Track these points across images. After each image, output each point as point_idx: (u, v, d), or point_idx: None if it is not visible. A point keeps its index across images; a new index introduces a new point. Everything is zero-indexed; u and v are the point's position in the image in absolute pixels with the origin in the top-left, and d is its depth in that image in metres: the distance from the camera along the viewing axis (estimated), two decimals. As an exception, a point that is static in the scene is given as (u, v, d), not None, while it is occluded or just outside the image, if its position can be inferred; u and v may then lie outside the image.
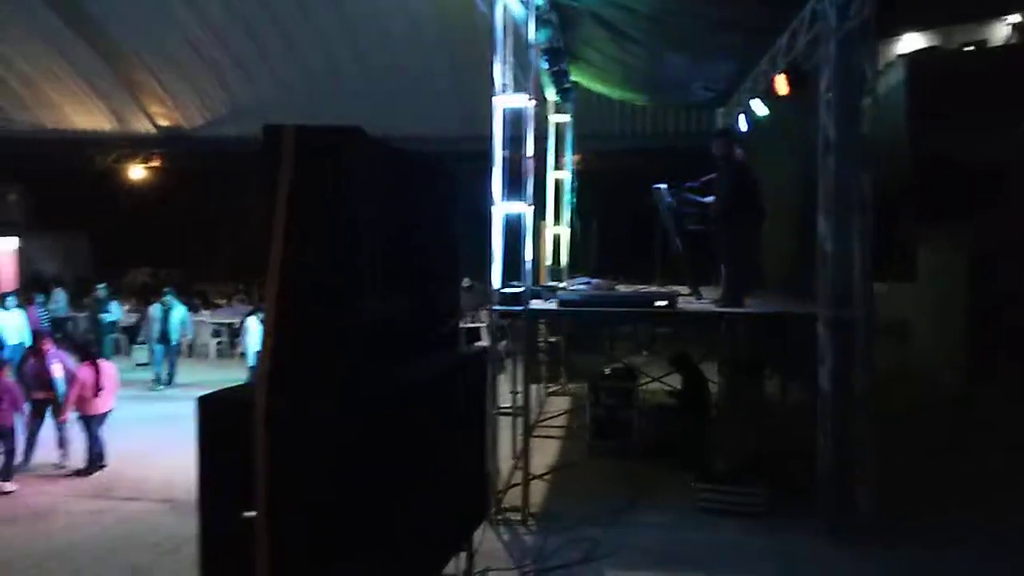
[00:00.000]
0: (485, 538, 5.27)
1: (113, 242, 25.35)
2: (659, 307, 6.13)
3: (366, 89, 12.96)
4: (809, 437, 5.84)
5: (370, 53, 12.85)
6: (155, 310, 12.33)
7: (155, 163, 16.49)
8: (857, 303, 5.49)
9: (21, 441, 7.20)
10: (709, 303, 6.70)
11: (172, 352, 12.25)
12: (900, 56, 11.29)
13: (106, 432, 7.54)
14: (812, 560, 5.33)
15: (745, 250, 6.63)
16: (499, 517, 5.89)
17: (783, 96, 7.18)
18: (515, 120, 6.17)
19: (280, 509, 2.87)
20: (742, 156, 6.68)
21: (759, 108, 8.49)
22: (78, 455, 7.46)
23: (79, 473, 7.29)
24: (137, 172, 17.37)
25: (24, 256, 23.43)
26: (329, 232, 3.00)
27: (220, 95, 14.32)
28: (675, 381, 8.55)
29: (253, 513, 2.86)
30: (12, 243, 23.43)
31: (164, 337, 12.06)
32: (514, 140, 6.18)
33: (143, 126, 15.30)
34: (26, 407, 7.20)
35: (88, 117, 15.32)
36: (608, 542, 5.52)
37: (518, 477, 6.29)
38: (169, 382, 12.08)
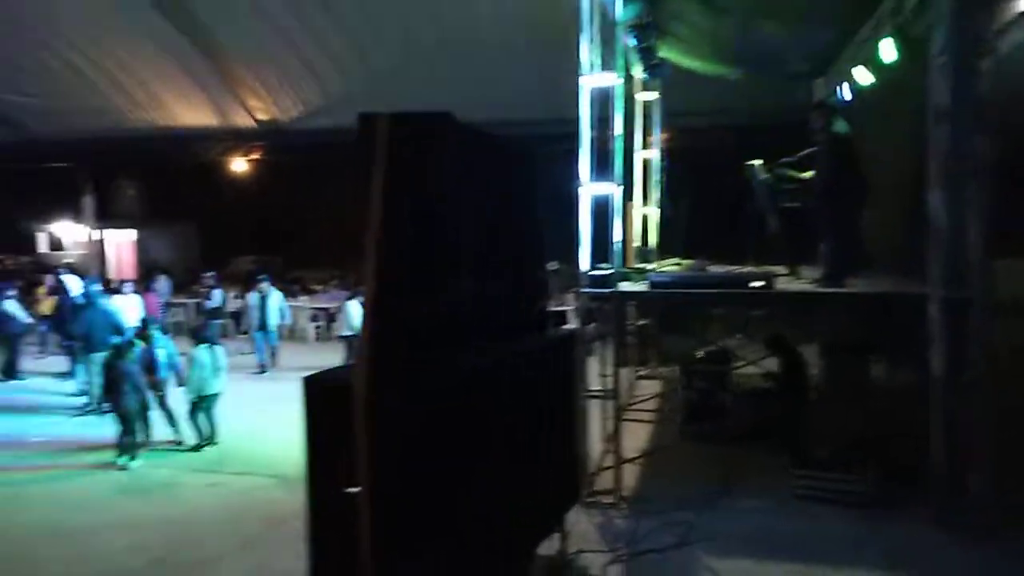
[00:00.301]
0: (577, 520, 5.30)
1: (218, 232, 26.89)
2: (755, 288, 5.93)
3: (451, 75, 13.08)
4: (916, 421, 5.53)
5: (455, 39, 12.95)
6: (253, 298, 12.50)
7: (255, 155, 17.28)
8: (972, 281, 5.13)
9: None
10: (808, 283, 6.43)
11: (271, 338, 12.46)
12: None
13: (217, 411, 8.02)
14: (919, 549, 5.06)
15: (848, 227, 6.31)
16: (591, 500, 5.90)
17: (890, 63, 6.75)
18: (602, 100, 6.08)
19: (380, 486, 2.97)
20: (844, 128, 6.34)
21: (863, 77, 8.02)
22: (190, 433, 7.98)
23: (193, 450, 7.80)
24: (239, 165, 18.27)
25: (141, 246, 25.23)
26: (422, 216, 3.07)
27: (313, 88, 14.79)
28: (771, 364, 8.27)
29: (356, 489, 2.98)
30: (131, 234, 25.28)
31: (263, 324, 12.29)
32: (601, 120, 6.09)
33: (244, 121, 16.01)
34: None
35: (194, 114, 16.17)
36: (702, 527, 5.43)
37: (609, 460, 6.27)
38: (262, 371, 12.23)
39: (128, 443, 7.21)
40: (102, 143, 17.01)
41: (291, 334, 16.10)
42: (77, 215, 20.77)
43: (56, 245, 25.26)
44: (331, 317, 15.95)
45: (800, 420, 7.12)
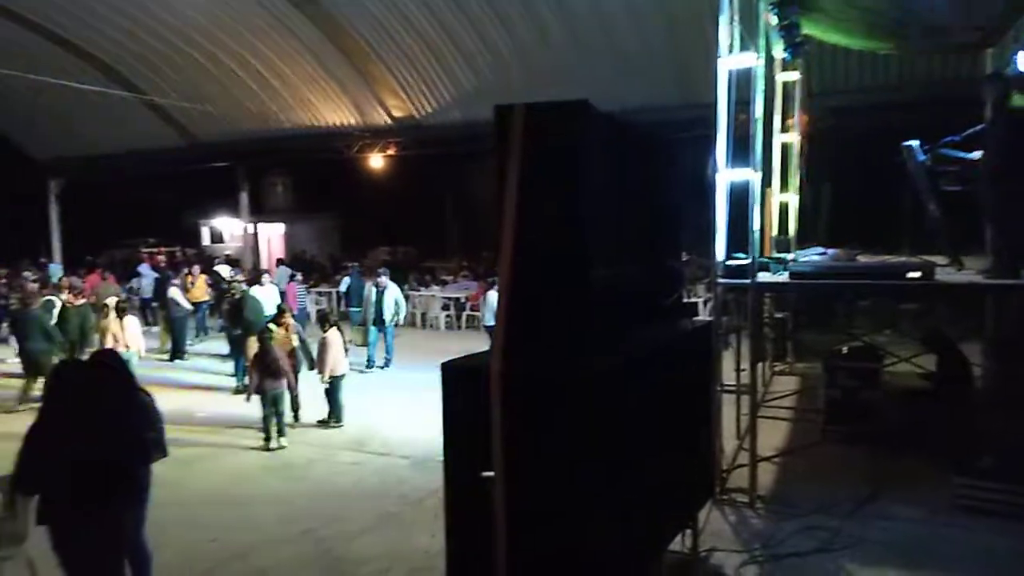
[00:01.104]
0: (710, 518, 5.15)
1: (357, 224, 28.40)
2: (913, 279, 5.47)
3: (582, 65, 13.00)
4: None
5: (585, 28, 12.86)
6: (370, 292, 11.95)
7: (391, 151, 18.03)
8: None
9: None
10: (974, 274, 5.85)
11: (388, 334, 11.81)
12: None
13: (344, 393, 8.42)
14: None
15: (1021, 212, 5.67)
16: (724, 497, 5.70)
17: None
18: (741, 82, 5.82)
19: (515, 471, 3.02)
20: (1022, 102, 5.69)
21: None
22: (312, 413, 8.47)
23: (322, 425, 8.30)
24: (376, 160, 19.12)
25: (289, 238, 27.12)
26: (558, 205, 3.07)
27: (446, 84, 15.23)
28: (928, 362, 7.62)
29: (491, 474, 3.05)
30: (280, 228, 27.23)
31: (378, 319, 11.60)
32: (740, 103, 5.84)
33: (380, 118, 16.76)
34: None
35: (336, 113, 17.14)
36: (847, 534, 5.11)
37: (743, 458, 6.04)
38: (385, 365, 11.78)
39: (277, 423, 7.73)
40: (256, 143, 18.40)
41: (423, 321, 16.76)
42: (235, 210, 22.60)
43: (217, 238, 27.67)
44: (461, 306, 16.44)
45: (962, 424, 6.51)
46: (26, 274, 16.07)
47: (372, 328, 11.64)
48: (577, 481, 3.04)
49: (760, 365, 7.11)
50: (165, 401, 8.66)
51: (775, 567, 4.73)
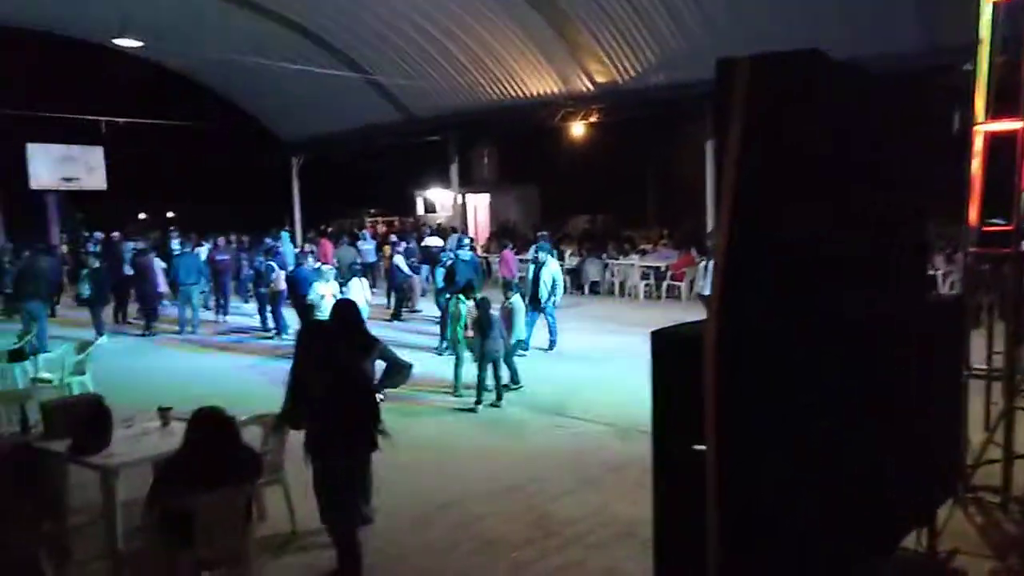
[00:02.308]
0: (951, 517, 4.57)
1: (557, 193, 28.80)
2: None
3: (804, 13, 11.91)
4: None
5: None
6: (527, 270, 11.06)
7: (592, 118, 17.94)
8: None
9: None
10: None
11: (548, 315, 10.61)
12: None
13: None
14: None
15: None
16: (969, 496, 5.04)
17: None
18: (1009, 18, 4.95)
19: (728, 445, 2.88)
20: None
21: None
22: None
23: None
24: (577, 128, 19.17)
25: (493, 208, 28.23)
26: (785, 165, 2.82)
27: (651, 45, 14.79)
28: None
29: (702, 447, 2.93)
30: (485, 198, 28.42)
31: (534, 297, 10.37)
32: (1006, 43, 4.98)
33: (583, 85, 16.73)
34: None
35: (540, 83, 17.40)
36: None
37: (994, 453, 5.27)
38: (550, 347, 10.65)
39: (495, 385, 8.03)
40: (465, 116, 19.28)
41: (622, 289, 16.66)
42: (446, 181, 23.95)
43: (430, 208, 29.54)
44: (661, 276, 16.10)
45: None
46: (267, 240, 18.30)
47: (529, 311, 10.24)
48: (795, 460, 2.83)
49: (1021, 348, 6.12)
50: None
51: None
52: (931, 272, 10.46)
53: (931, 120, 4.79)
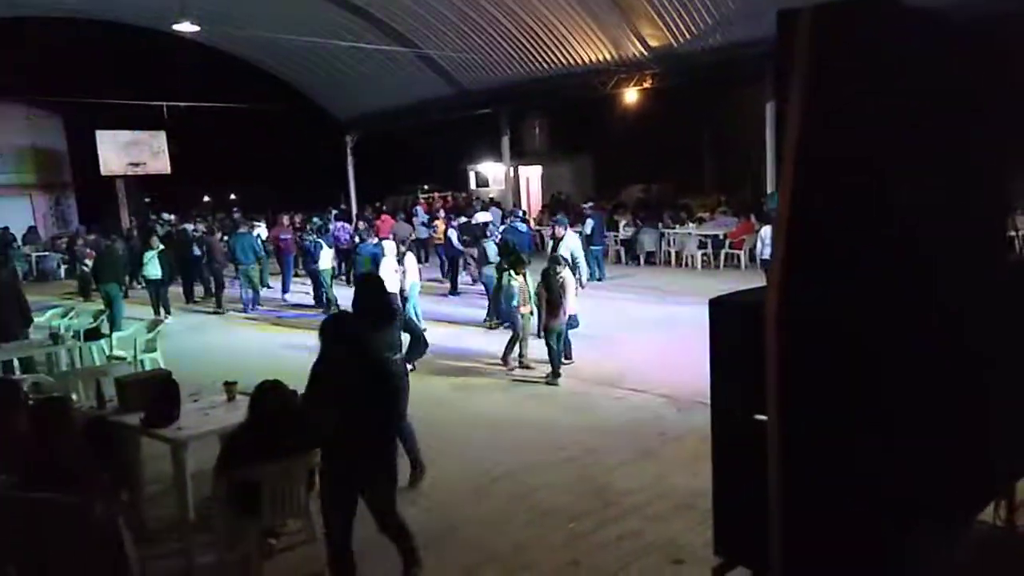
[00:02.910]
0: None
1: (611, 162, 28.37)
2: None
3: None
4: None
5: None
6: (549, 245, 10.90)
7: (646, 84, 17.50)
8: None
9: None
10: None
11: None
12: None
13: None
14: None
15: None
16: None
17: None
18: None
19: (791, 416, 2.78)
20: None
21: None
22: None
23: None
24: (631, 95, 18.76)
25: (546, 179, 28.03)
26: (852, 121, 2.66)
27: (706, 4, 14.28)
28: None
29: (764, 417, 2.84)
30: (537, 170, 28.23)
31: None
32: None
33: (636, 50, 16.31)
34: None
35: (591, 50, 17.05)
36: None
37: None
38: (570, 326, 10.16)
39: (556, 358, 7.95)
40: (516, 87, 19.09)
41: (678, 259, 16.36)
42: (497, 154, 23.85)
43: (482, 182, 29.53)
44: (719, 244, 15.73)
45: None
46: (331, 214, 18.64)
47: None
48: (861, 432, 2.72)
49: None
50: (439, 333, 9.58)
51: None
52: (1011, 233, 9.87)
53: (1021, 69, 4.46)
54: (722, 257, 15.57)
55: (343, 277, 15.07)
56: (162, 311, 12.59)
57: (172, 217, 22.01)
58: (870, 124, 2.68)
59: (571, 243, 10.45)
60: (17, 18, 19.88)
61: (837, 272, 2.76)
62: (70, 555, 3.26)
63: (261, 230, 17.30)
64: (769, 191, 14.79)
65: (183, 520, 4.47)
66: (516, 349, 8.45)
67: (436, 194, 31.14)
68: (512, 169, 23.27)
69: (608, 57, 16.91)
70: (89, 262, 16.03)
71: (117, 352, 8.49)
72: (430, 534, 4.61)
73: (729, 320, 2.99)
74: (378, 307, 5.08)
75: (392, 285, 9.38)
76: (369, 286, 5.31)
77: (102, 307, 10.81)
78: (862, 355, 2.66)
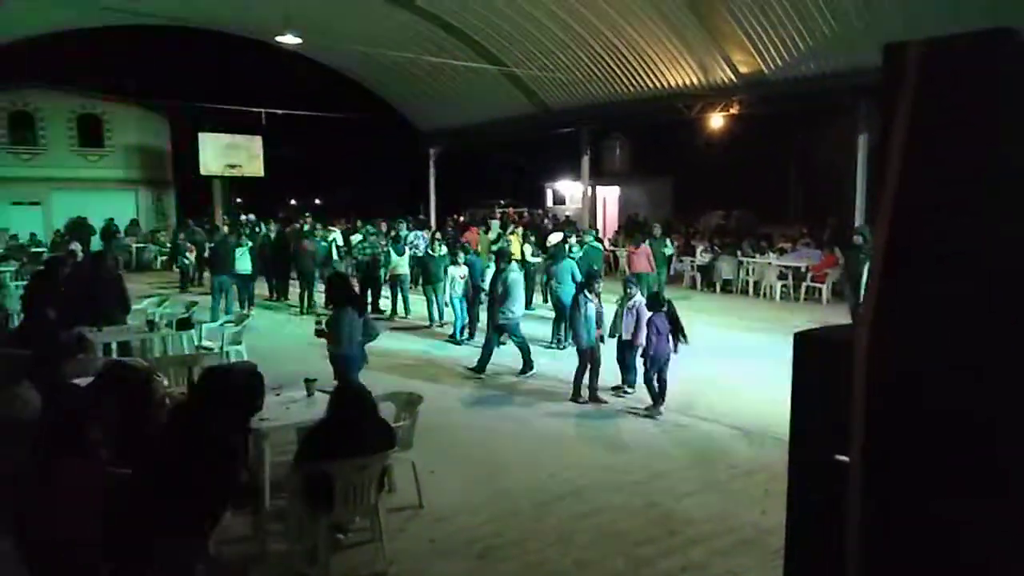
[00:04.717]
0: None
1: (691, 186, 28.02)
2: None
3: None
4: None
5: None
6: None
7: (733, 110, 17.23)
8: None
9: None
10: None
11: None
12: None
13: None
14: None
15: None
16: None
17: None
18: None
19: (875, 461, 2.69)
20: None
21: None
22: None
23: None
24: (716, 121, 18.50)
25: (624, 200, 27.91)
26: (961, 160, 2.58)
27: (801, 32, 13.96)
28: None
29: (845, 458, 2.76)
30: (615, 191, 28.16)
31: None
32: None
33: (724, 75, 16.10)
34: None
35: (678, 74, 16.92)
36: None
37: None
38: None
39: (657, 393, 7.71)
40: (599, 108, 19.12)
41: (755, 291, 15.97)
42: (576, 173, 23.93)
43: (559, 200, 29.67)
44: (800, 276, 15.26)
45: None
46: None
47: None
48: (951, 491, 2.60)
49: None
50: (510, 350, 9.58)
51: None
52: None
53: None
54: (803, 290, 15.10)
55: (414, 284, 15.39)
56: (247, 305, 13.21)
57: (251, 217, 22.95)
58: (977, 167, 2.59)
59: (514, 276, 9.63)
60: (134, 27, 21.34)
61: (935, 320, 2.67)
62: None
63: (336, 235, 17.84)
64: (857, 223, 14.28)
65: (258, 508, 4.66)
66: (586, 379, 7.89)
67: (511, 209, 31.45)
68: (590, 188, 23.27)
69: (695, 82, 16.74)
70: (191, 255, 16.98)
71: (205, 343, 8.94)
72: (492, 544, 4.66)
73: (814, 356, 2.93)
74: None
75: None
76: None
77: (195, 299, 11.41)
78: (959, 413, 2.55)
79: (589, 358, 7.85)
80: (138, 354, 8.29)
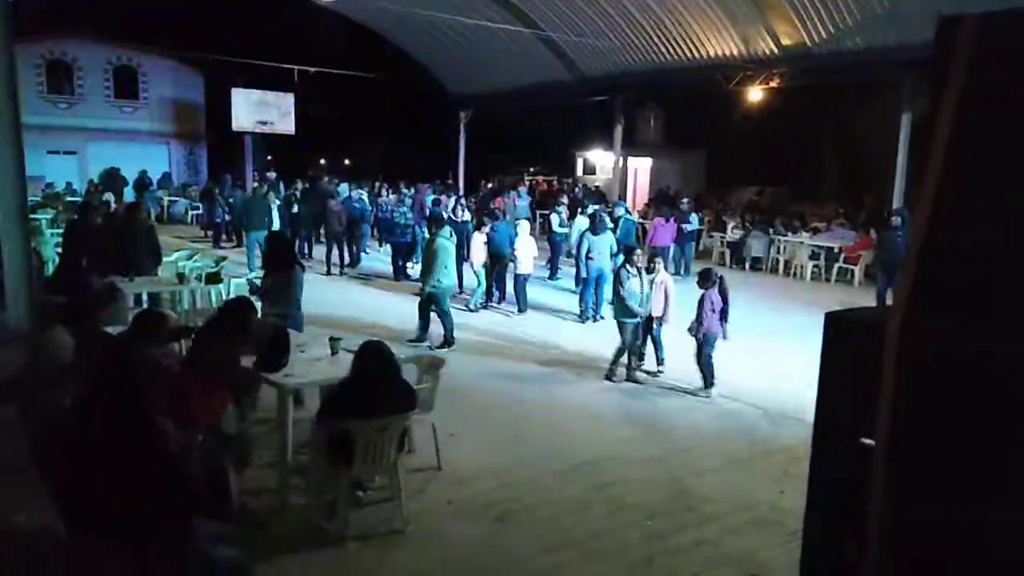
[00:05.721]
0: None
1: (725, 160, 27.49)
2: None
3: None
4: None
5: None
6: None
7: (773, 83, 16.78)
8: None
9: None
10: None
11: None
12: None
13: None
14: None
15: None
16: None
17: None
18: None
19: (901, 445, 2.65)
20: None
21: None
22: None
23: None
24: (755, 94, 18.05)
25: (655, 173, 27.50)
26: (1010, 142, 2.47)
27: (848, 5, 13.51)
28: None
29: (871, 441, 2.72)
30: (647, 162, 27.74)
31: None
32: None
33: (767, 47, 15.67)
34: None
35: (719, 44, 16.51)
36: None
37: None
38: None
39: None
40: (635, 77, 18.75)
41: (786, 268, 15.72)
42: (608, 142, 23.58)
43: (589, 169, 29.32)
44: (833, 256, 14.98)
45: None
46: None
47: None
48: (979, 480, 2.55)
49: None
50: (538, 320, 9.56)
51: None
52: None
53: None
54: (834, 271, 14.83)
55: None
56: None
57: (272, 175, 22.96)
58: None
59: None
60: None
61: (971, 305, 2.60)
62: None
63: (364, 195, 17.81)
64: (895, 205, 13.94)
65: (281, 461, 4.76)
66: (624, 358, 7.63)
67: (541, 177, 31.19)
68: (621, 159, 22.95)
69: (736, 53, 16.32)
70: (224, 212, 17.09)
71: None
72: (509, 509, 4.71)
73: (845, 337, 2.87)
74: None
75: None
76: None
77: (224, 255, 11.54)
78: (995, 401, 2.49)
79: (635, 335, 7.57)
80: (168, 306, 8.45)
